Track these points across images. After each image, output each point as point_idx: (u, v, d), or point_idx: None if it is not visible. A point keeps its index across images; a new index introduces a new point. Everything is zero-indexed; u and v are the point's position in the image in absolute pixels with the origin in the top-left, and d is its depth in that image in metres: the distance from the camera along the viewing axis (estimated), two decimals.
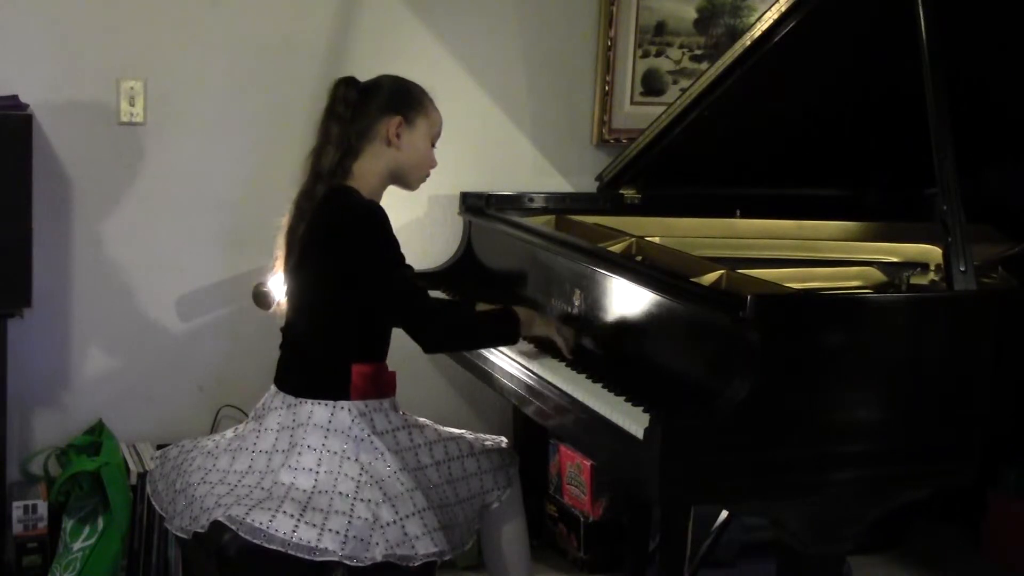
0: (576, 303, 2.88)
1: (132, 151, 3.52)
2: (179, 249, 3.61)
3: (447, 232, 3.82)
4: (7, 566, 3.30)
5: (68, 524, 3.28)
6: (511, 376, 2.84)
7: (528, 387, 2.75)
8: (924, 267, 2.95)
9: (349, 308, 2.65)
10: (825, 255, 3.15)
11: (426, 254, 3.74)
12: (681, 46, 4.05)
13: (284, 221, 2.74)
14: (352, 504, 2.52)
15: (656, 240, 3.12)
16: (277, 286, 2.86)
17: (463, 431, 2.87)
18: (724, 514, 3.26)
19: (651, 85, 4.03)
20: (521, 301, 3.12)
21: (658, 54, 4.03)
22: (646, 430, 2.22)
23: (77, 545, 3.26)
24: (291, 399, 2.67)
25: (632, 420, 2.33)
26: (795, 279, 2.71)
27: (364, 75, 2.79)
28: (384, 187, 2.77)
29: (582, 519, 3.68)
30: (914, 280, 2.72)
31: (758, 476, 2.28)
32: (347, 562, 2.46)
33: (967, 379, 2.40)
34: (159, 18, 3.51)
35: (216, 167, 3.61)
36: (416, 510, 2.55)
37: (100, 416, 3.53)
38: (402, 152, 2.73)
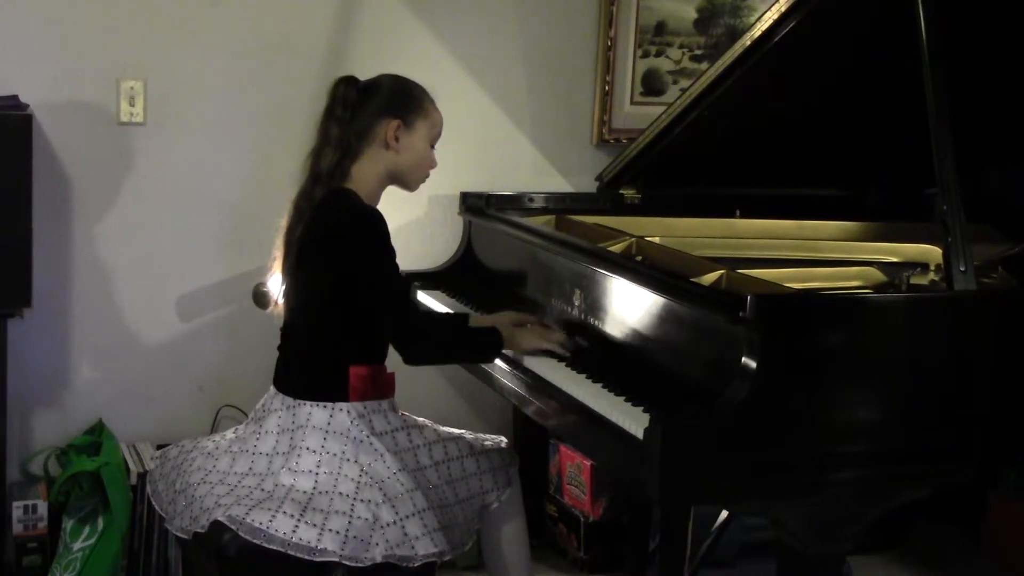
0: (576, 303, 2.88)
1: (132, 151, 3.52)
2: (179, 249, 3.61)
3: (447, 232, 3.82)
4: (7, 566, 3.30)
5: (68, 524, 3.28)
6: (511, 376, 2.84)
7: (528, 387, 2.75)
8: (924, 267, 2.95)
9: (347, 310, 2.64)
10: (825, 255, 3.15)
11: (426, 254, 3.75)
12: (681, 46, 4.04)
13: (283, 222, 2.74)
14: (352, 504, 2.51)
15: (656, 240, 3.12)
16: (276, 286, 2.86)
17: (463, 431, 2.86)
18: (724, 514, 3.26)
19: (651, 85, 4.03)
20: (521, 301, 3.13)
21: (658, 54, 4.02)
22: (646, 430, 2.21)
23: (77, 545, 3.26)
24: (290, 400, 2.66)
25: (632, 420, 2.34)
26: (795, 279, 2.70)
27: (364, 75, 2.78)
28: (383, 188, 2.77)
29: (582, 519, 3.67)
30: (914, 280, 2.72)
31: (758, 476, 2.28)
32: (347, 562, 2.46)
33: (967, 379, 2.40)
34: (159, 18, 3.51)
35: (216, 167, 3.61)
36: (416, 510, 2.55)
37: (100, 416, 3.53)
38: (401, 155, 2.72)
